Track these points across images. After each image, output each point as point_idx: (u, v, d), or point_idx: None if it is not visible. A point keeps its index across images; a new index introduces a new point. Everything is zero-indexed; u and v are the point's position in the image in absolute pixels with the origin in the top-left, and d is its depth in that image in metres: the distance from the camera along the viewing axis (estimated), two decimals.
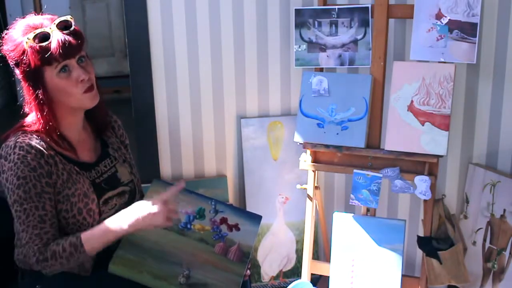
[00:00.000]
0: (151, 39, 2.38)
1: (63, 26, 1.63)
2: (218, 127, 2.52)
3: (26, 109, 1.69)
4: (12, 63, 1.64)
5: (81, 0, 5.58)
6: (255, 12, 2.41)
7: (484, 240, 2.35)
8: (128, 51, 2.41)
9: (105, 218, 1.74)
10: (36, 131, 1.66)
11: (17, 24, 1.65)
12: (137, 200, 1.86)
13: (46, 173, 1.63)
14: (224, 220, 1.88)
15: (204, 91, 2.47)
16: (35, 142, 1.63)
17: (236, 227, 1.88)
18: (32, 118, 1.69)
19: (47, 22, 1.63)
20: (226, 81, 2.47)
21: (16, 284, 1.83)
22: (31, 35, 1.59)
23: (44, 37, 1.59)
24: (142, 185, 1.95)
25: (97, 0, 5.66)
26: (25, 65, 1.60)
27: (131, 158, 1.93)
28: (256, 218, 1.93)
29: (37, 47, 1.58)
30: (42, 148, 1.63)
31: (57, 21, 1.63)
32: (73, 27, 1.64)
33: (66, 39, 1.60)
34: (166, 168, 2.52)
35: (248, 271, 1.85)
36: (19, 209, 1.61)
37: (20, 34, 1.61)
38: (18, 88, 1.72)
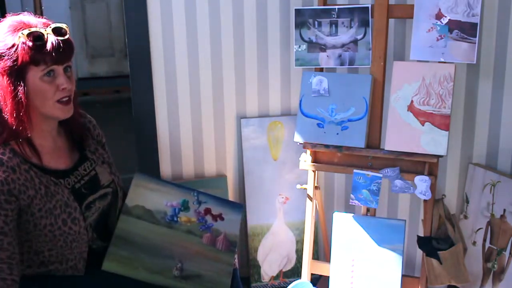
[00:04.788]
0: (151, 39, 2.38)
1: (58, 32, 1.61)
2: (218, 127, 2.52)
3: None
4: None
5: (81, 0, 5.58)
6: (255, 12, 2.42)
7: (484, 240, 2.35)
8: (128, 51, 2.41)
9: (90, 223, 1.73)
10: (8, 140, 1.60)
11: (8, 19, 1.63)
12: (120, 199, 1.86)
13: (11, 190, 1.56)
14: (208, 211, 1.92)
15: (204, 91, 2.47)
16: (7, 157, 1.58)
17: (220, 217, 1.92)
18: (1, 122, 1.61)
19: (41, 25, 1.62)
20: (226, 81, 2.47)
21: None
22: (26, 32, 1.56)
23: (39, 37, 1.57)
24: None
25: (97, 0, 5.66)
26: (10, 60, 1.55)
27: (109, 157, 1.91)
28: (237, 207, 1.97)
29: (30, 45, 1.55)
30: (14, 165, 1.58)
31: (53, 26, 1.62)
32: (67, 35, 1.63)
33: (60, 44, 1.58)
34: (166, 168, 2.52)
35: (235, 259, 1.89)
36: None
37: (12, 28, 1.59)
38: None
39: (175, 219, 1.87)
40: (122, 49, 5.73)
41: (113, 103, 5.38)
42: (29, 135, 1.62)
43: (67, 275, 1.71)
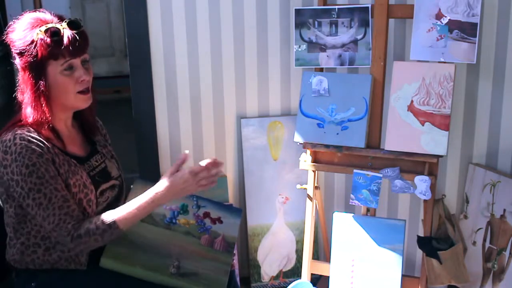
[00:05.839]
0: (151, 39, 2.38)
1: (73, 26, 1.68)
2: (218, 127, 2.51)
3: (21, 98, 1.71)
4: (15, 52, 1.68)
5: (81, 0, 5.58)
6: (255, 12, 2.41)
7: (484, 240, 2.35)
8: (128, 51, 2.41)
9: (99, 211, 1.77)
10: (30, 124, 1.68)
11: (25, 16, 1.70)
12: (125, 195, 1.92)
13: (52, 159, 1.66)
14: (207, 214, 1.95)
15: (204, 91, 2.47)
16: (33, 133, 1.66)
17: (219, 220, 1.95)
18: (24, 112, 1.70)
19: (57, 20, 1.69)
20: (226, 81, 2.47)
21: (7, 283, 1.84)
22: (43, 28, 1.64)
23: (56, 32, 1.64)
24: None
25: (97, 0, 5.66)
26: (30, 56, 1.64)
27: (115, 156, 1.99)
28: (236, 212, 2.01)
29: (48, 40, 1.63)
30: (42, 139, 1.67)
31: (67, 20, 1.69)
32: (82, 28, 1.70)
33: (76, 37, 1.66)
34: (166, 168, 2.51)
35: (233, 261, 1.91)
36: (38, 195, 1.62)
37: (29, 25, 1.66)
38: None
39: (174, 221, 1.90)
40: (122, 49, 5.72)
41: (113, 103, 5.38)
42: (51, 125, 1.70)
43: (67, 270, 1.73)
